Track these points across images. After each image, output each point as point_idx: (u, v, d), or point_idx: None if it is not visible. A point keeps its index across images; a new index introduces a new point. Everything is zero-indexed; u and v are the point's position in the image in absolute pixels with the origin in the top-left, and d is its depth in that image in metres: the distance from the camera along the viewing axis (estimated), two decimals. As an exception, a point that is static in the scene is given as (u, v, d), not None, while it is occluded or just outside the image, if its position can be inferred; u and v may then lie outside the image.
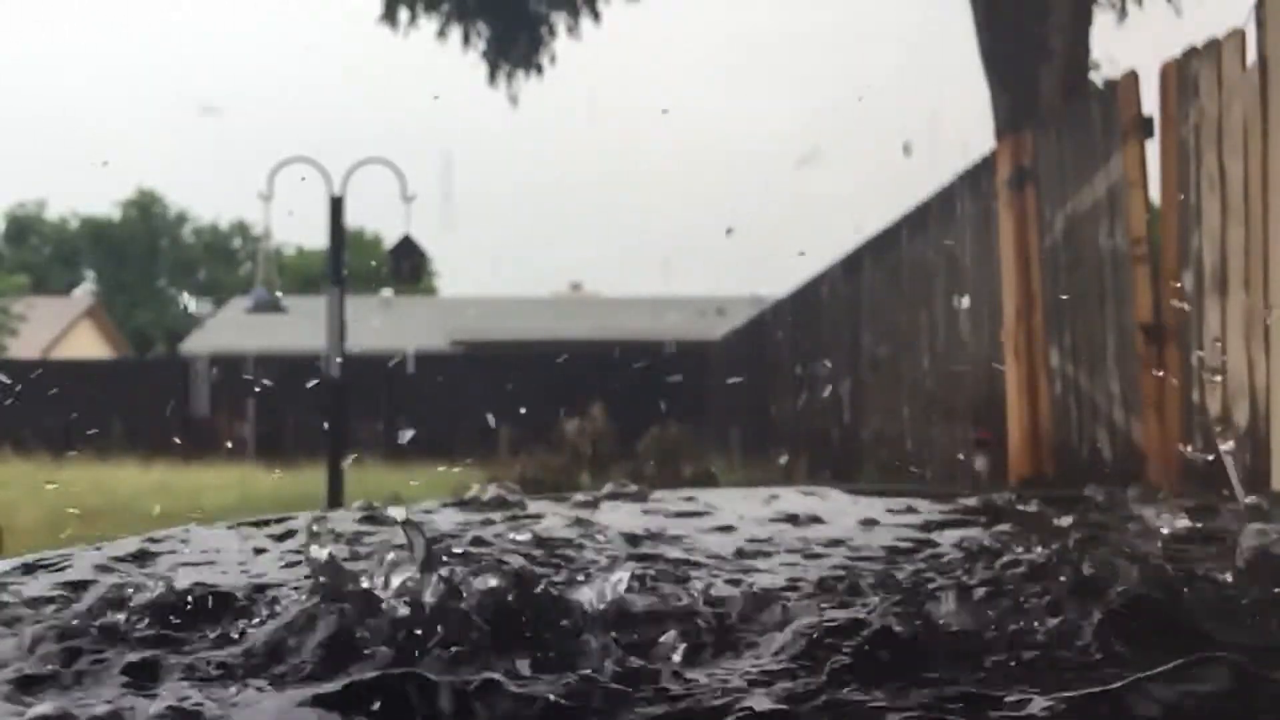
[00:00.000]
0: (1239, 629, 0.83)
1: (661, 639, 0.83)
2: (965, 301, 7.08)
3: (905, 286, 8.72)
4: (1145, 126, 5.09)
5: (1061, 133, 5.99)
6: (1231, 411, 4.40)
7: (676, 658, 0.80)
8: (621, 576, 0.95)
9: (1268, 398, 4.20)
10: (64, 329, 36.68)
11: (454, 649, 0.78)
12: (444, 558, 1.04)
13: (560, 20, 12.21)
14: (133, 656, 0.80)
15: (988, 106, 7.89)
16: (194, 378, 20.99)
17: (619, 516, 1.48)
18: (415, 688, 0.68)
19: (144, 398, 19.65)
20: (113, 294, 47.58)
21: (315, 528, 0.95)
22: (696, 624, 0.86)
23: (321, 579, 0.91)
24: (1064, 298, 5.86)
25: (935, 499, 1.65)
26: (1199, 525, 1.25)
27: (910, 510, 1.53)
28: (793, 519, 1.45)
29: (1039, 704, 0.65)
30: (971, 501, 1.59)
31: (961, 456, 7.20)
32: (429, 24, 12.08)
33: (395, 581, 0.88)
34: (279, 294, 16.57)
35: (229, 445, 17.93)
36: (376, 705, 0.67)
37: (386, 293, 32.22)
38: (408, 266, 13.72)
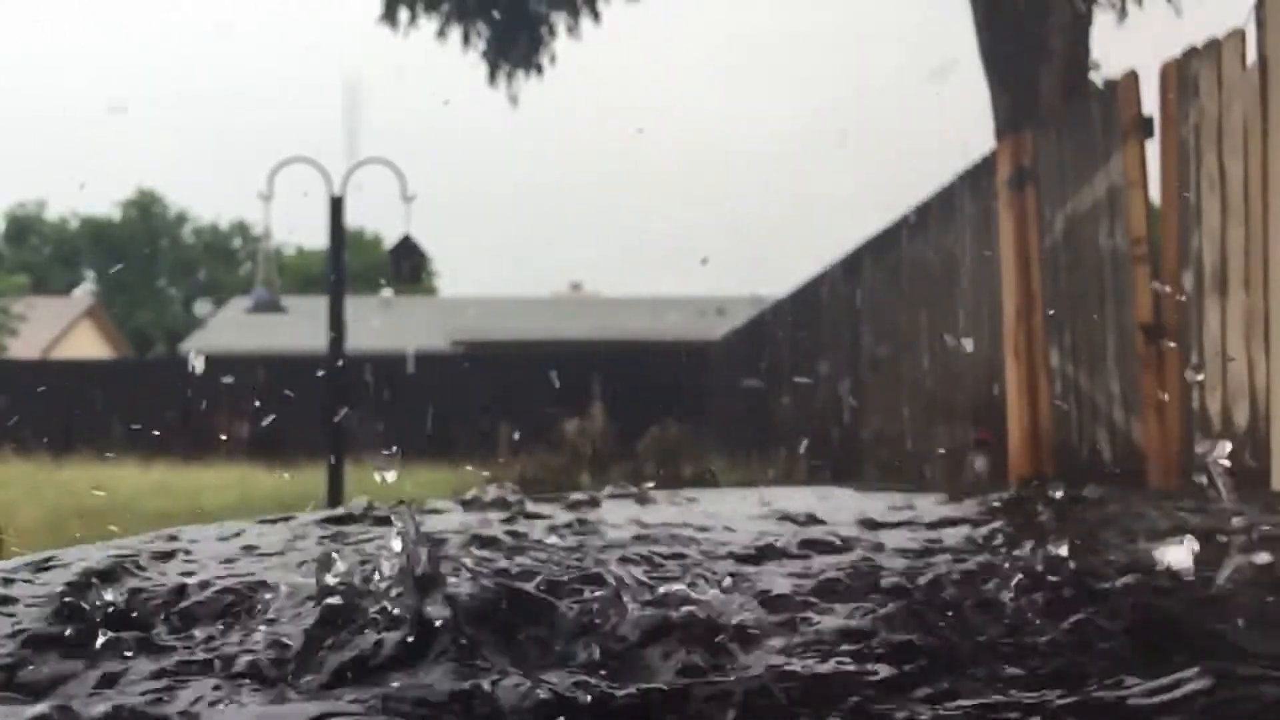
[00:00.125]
0: (1237, 636, 0.83)
1: (661, 639, 0.83)
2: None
3: (905, 286, 8.72)
4: (1145, 126, 5.09)
5: (1061, 133, 5.99)
6: (1231, 411, 4.40)
7: (677, 658, 0.80)
8: (621, 576, 0.95)
9: (1268, 398, 4.20)
10: (64, 329, 36.68)
11: (453, 650, 0.78)
12: (443, 559, 1.04)
13: (560, 20, 12.21)
14: (133, 656, 0.80)
15: (988, 106, 7.90)
16: (193, 377, 20.99)
17: (619, 516, 1.48)
18: (415, 689, 0.68)
19: (144, 398, 19.66)
20: (113, 294, 47.60)
21: (315, 528, 0.95)
22: (697, 625, 0.86)
23: (321, 579, 0.91)
24: (1053, 309, 5.86)
25: (935, 499, 1.65)
26: (1197, 525, 1.25)
27: (910, 510, 1.53)
28: (792, 519, 1.45)
29: (1041, 708, 0.65)
30: (971, 501, 1.59)
31: (962, 457, 7.20)
32: (429, 24, 12.09)
33: (392, 582, 0.88)
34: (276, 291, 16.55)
35: (223, 438, 17.90)
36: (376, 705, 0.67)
37: (386, 293, 32.23)
38: (408, 266, 13.71)
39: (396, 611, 0.83)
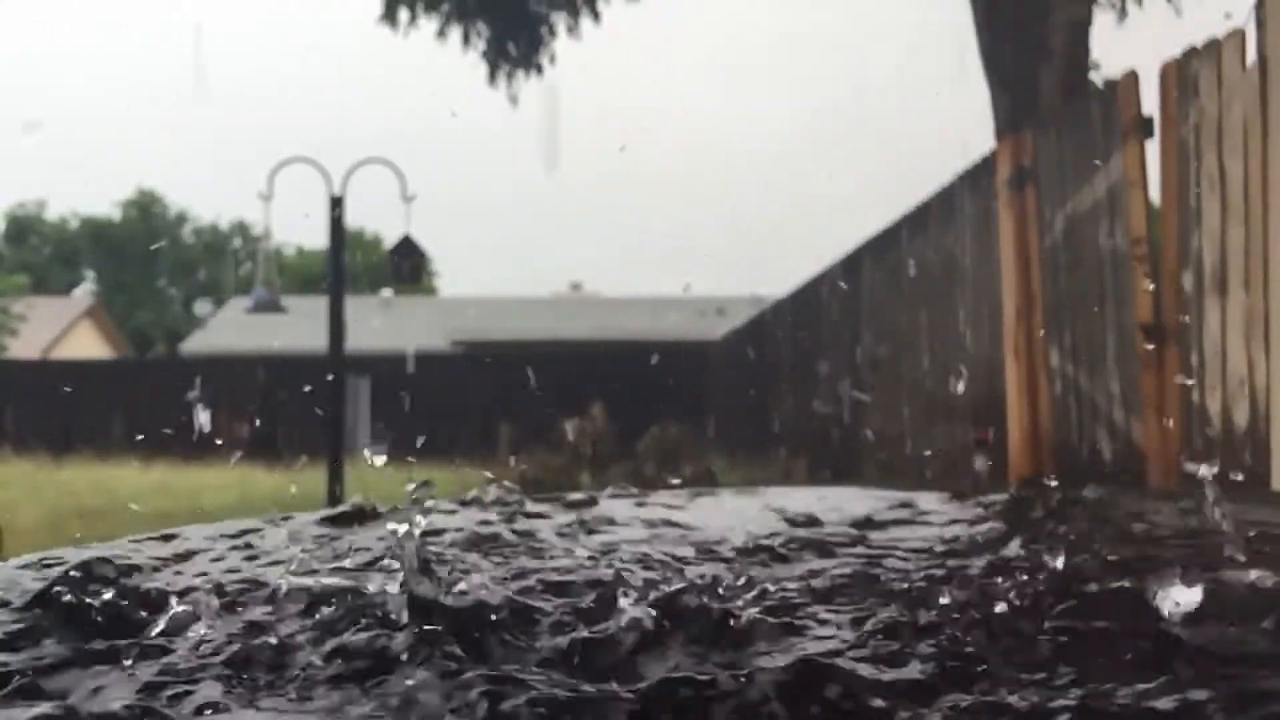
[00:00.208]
0: (1239, 639, 0.83)
1: (661, 639, 0.83)
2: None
3: (905, 286, 8.72)
4: (1145, 126, 5.09)
5: (1061, 133, 5.99)
6: (1231, 411, 4.40)
7: (676, 659, 0.80)
8: (621, 577, 0.95)
9: (1268, 398, 4.20)
10: (64, 329, 36.68)
11: (452, 651, 0.78)
12: (442, 560, 1.04)
13: (560, 20, 12.22)
14: (133, 657, 0.80)
15: (988, 106, 7.90)
16: (194, 377, 20.99)
17: (619, 517, 1.48)
18: (414, 690, 0.68)
19: (144, 398, 19.65)
20: (113, 294, 47.59)
21: (314, 528, 0.95)
22: (697, 625, 0.86)
23: (321, 580, 0.91)
24: (1053, 309, 5.86)
25: (935, 499, 1.65)
26: (1195, 526, 1.25)
27: (910, 510, 1.53)
28: (792, 519, 1.45)
29: (1042, 709, 0.65)
30: (971, 501, 1.59)
31: (962, 457, 7.20)
32: (429, 24, 12.10)
33: (390, 583, 0.88)
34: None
35: (219, 443, 17.91)
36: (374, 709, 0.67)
37: (386, 293, 32.25)
38: (408, 266, 13.71)
39: (395, 612, 0.83)
